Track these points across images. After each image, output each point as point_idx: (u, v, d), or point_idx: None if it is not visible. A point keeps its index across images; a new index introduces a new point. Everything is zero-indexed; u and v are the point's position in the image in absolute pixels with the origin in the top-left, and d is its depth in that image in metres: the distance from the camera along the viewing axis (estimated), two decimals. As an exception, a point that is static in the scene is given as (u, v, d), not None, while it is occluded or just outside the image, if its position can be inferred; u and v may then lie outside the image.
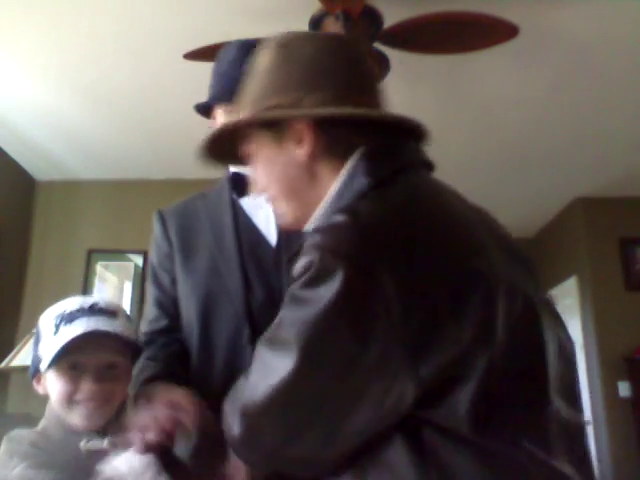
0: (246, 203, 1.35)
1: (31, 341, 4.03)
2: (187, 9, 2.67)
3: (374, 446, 0.76)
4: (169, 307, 1.32)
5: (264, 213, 1.33)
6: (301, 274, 0.77)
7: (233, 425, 0.81)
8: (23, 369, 3.84)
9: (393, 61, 2.69)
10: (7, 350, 3.82)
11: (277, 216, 1.02)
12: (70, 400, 1.09)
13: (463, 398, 0.73)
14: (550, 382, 0.79)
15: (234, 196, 1.36)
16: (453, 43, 2.62)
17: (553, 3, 2.62)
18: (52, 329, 1.10)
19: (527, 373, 0.78)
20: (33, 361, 1.14)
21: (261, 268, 1.24)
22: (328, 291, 0.73)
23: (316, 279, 0.75)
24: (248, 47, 1.31)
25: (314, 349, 0.74)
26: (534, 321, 0.80)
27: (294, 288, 0.78)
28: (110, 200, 4.45)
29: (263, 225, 1.31)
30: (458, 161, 4.23)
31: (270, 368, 0.77)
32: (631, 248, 4.77)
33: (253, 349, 1.06)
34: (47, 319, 1.13)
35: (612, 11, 2.68)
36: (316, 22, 2.59)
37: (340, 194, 0.87)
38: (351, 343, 0.73)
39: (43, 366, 1.09)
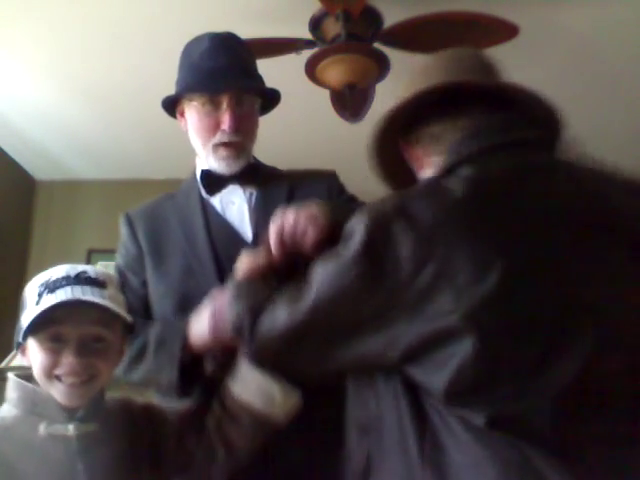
0: (217, 201, 1.33)
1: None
2: (187, 9, 2.67)
3: (379, 406, 0.85)
4: (139, 309, 1.29)
5: (237, 208, 1.32)
6: None
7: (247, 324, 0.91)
8: (23, 369, 3.83)
9: (393, 61, 2.69)
10: (7, 350, 3.82)
11: None
12: (50, 374, 1.00)
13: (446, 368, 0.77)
14: None
15: (205, 195, 1.34)
16: (453, 43, 2.61)
17: (553, 3, 2.62)
18: (35, 298, 1.03)
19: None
20: (17, 331, 1.06)
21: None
22: (352, 244, 0.83)
23: (345, 237, 0.86)
24: (221, 39, 1.30)
25: (329, 287, 0.84)
26: None
27: None
28: (110, 200, 4.44)
29: (237, 221, 1.30)
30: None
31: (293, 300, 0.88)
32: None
33: None
34: (32, 288, 1.06)
35: (612, 11, 2.68)
36: (316, 22, 2.59)
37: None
38: (361, 288, 0.81)
39: (22, 335, 1.02)
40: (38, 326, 0.99)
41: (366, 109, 3.01)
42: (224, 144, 1.28)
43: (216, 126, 1.28)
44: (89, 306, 1.01)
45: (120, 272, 1.35)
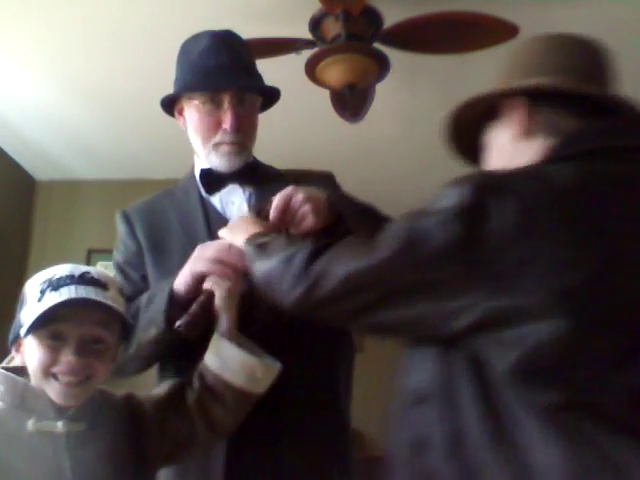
0: (217, 200, 1.33)
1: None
2: (187, 9, 2.67)
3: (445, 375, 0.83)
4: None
5: (237, 208, 1.32)
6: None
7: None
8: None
9: (393, 61, 2.69)
10: (7, 350, 3.82)
11: None
12: (47, 372, 1.00)
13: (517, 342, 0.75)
14: None
15: (204, 194, 1.34)
16: (453, 43, 2.62)
17: (553, 3, 2.62)
18: (37, 295, 1.02)
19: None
20: (14, 327, 1.06)
21: None
22: (449, 196, 0.82)
23: (437, 199, 0.84)
24: (221, 37, 1.29)
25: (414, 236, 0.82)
26: None
27: None
28: (110, 200, 4.43)
29: None
30: (458, 161, 4.22)
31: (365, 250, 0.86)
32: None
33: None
34: (33, 284, 1.06)
35: (612, 11, 2.68)
36: (316, 22, 2.59)
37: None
38: (447, 250, 0.79)
39: (23, 331, 1.01)
40: (39, 323, 0.99)
41: (366, 109, 3.01)
42: (226, 142, 1.28)
43: (217, 125, 1.28)
44: (92, 306, 1.01)
45: (120, 268, 1.35)
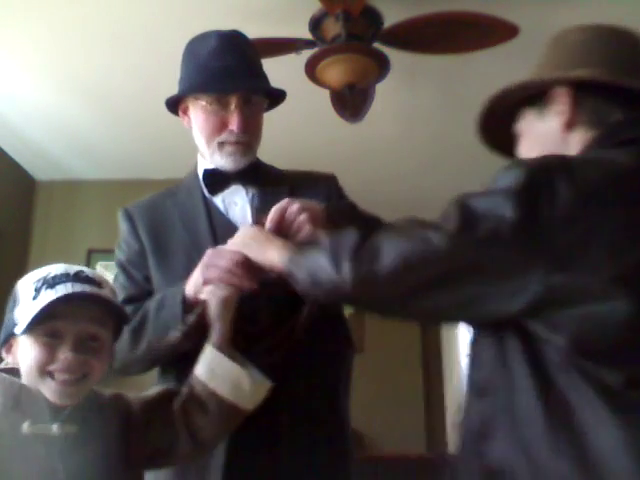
0: (220, 200, 1.33)
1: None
2: (187, 9, 2.67)
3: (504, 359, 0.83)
4: (144, 301, 1.29)
5: (239, 209, 1.32)
6: None
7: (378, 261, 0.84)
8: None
9: (393, 61, 2.69)
10: None
11: None
12: (43, 370, 0.98)
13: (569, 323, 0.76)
14: None
15: (207, 194, 1.34)
16: (453, 43, 2.62)
17: (553, 3, 2.62)
18: (32, 293, 1.01)
19: None
20: (6, 326, 1.03)
21: None
22: (508, 177, 0.82)
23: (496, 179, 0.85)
24: (228, 38, 1.29)
25: (475, 219, 0.81)
26: None
27: None
28: (110, 200, 4.43)
29: (240, 222, 1.30)
30: (458, 161, 4.23)
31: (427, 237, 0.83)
32: (631, 248, 4.77)
33: (235, 348, 1.11)
34: (26, 283, 1.04)
35: (612, 11, 2.68)
36: (316, 22, 2.59)
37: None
38: (508, 227, 0.79)
39: (18, 329, 0.99)
40: (37, 320, 0.98)
41: (366, 109, 3.01)
42: (230, 142, 1.28)
43: (223, 126, 1.28)
44: (90, 302, 1.01)
45: (122, 267, 1.35)
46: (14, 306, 1.04)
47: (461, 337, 5.80)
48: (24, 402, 0.99)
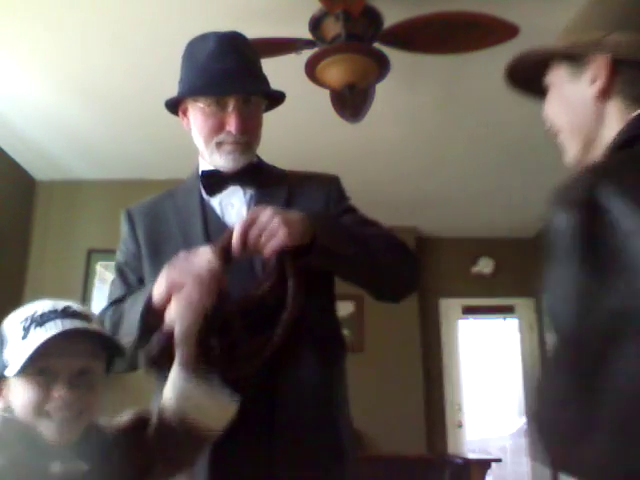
0: (217, 203, 1.33)
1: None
2: (187, 9, 2.67)
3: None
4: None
5: (236, 211, 1.31)
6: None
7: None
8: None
9: (393, 61, 2.69)
10: None
11: (564, 152, 1.02)
12: (39, 410, 0.96)
13: None
14: None
15: (204, 196, 1.34)
16: (453, 43, 2.62)
17: (553, 3, 2.62)
18: (20, 332, 0.98)
19: None
20: None
21: (235, 271, 1.21)
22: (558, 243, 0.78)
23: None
24: (227, 39, 1.28)
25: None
26: None
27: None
28: (110, 200, 4.44)
29: (235, 224, 1.30)
30: (458, 161, 4.23)
31: None
32: (631, 248, 4.77)
33: (206, 360, 1.10)
34: (12, 323, 1.02)
35: (612, 11, 2.68)
36: (316, 22, 2.59)
37: (625, 138, 0.86)
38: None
39: (10, 372, 0.96)
40: (30, 361, 0.95)
41: (366, 109, 3.02)
42: (229, 142, 1.28)
43: (221, 127, 1.27)
44: (79, 337, 0.99)
45: (119, 269, 1.36)
46: (2, 347, 1.00)
47: (461, 337, 5.81)
48: (33, 444, 0.97)
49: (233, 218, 1.30)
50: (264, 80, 1.33)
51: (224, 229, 1.27)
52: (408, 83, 3.22)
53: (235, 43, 1.29)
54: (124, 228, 1.38)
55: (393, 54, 2.66)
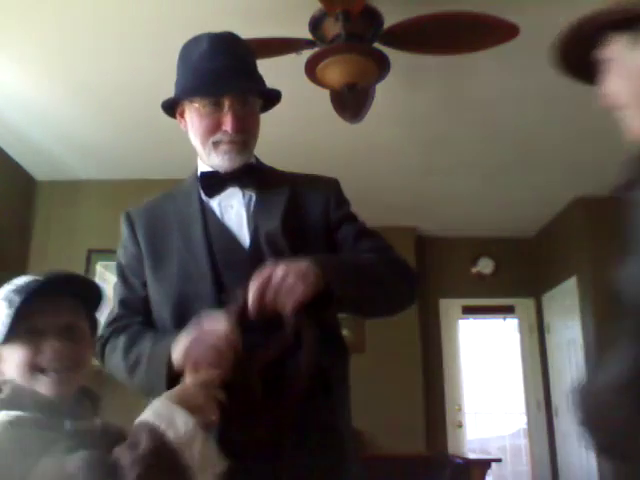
0: (216, 204, 1.33)
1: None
2: (187, 9, 2.67)
3: None
4: (137, 306, 1.30)
5: (235, 212, 1.30)
6: None
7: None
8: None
9: (393, 61, 2.69)
10: None
11: (627, 126, 0.98)
12: (34, 367, 0.97)
13: None
14: None
15: (204, 197, 1.33)
16: (453, 43, 2.62)
17: (553, 3, 2.62)
18: (3, 304, 1.00)
19: None
20: None
21: (236, 272, 1.21)
22: None
23: None
24: (220, 39, 1.29)
25: None
26: None
27: None
28: (110, 200, 4.44)
29: (235, 226, 1.29)
30: (458, 161, 4.23)
31: None
32: (631, 248, 4.77)
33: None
34: None
35: (612, 11, 2.68)
36: (316, 22, 2.59)
37: None
38: None
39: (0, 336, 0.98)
40: (15, 321, 0.97)
41: (366, 109, 3.02)
42: (225, 141, 1.28)
43: (217, 127, 1.27)
44: (61, 294, 1.01)
45: (120, 271, 1.36)
46: None
47: (461, 337, 5.81)
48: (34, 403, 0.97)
49: (233, 219, 1.30)
50: (259, 79, 1.33)
51: (223, 230, 1.27)
52: (408, 83, 3.22)
53: (228, 43, 1.29)
54: (124, 230, 1.37)
55: (393, 54, 2.66)
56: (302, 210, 1.31)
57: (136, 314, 1.29)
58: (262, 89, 1.32)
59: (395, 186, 4.69)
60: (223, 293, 1.21)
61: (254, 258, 1.21)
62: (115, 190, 4.46)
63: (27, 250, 4.32)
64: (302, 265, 1.10)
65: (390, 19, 2.55)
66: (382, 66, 2.61)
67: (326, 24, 2.57)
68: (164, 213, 1.36)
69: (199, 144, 1.31)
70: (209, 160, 1.32)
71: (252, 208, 1.30)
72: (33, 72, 3.14)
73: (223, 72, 1.25)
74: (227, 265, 1.24)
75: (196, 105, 1.28)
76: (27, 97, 3.37)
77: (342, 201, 1.39)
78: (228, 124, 1.26)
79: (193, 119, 1.30)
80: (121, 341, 1.24)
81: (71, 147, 4.02)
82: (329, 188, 1.39)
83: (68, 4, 2.62)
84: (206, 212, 1.31)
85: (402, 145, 3.98)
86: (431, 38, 2.55)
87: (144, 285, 1.31)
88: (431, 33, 2.51)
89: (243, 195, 1.32)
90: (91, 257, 4.34)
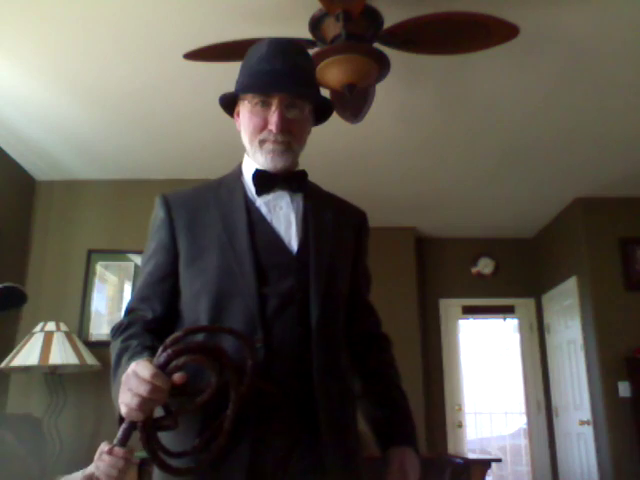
0: (264, 202, 1.33)
1: (31, 341, 3.93)
2: (187, 10, 2.67)
3: None
4: (154, 298, 1.28)
5: (283, 214, 1.32)
6: None
7: None
8: (23, 369, 3.84)
9: (393, 61, 2.69)
10: (7, 350, 3.81)
11: None
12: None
13: None
14: None
15: (250, 196, 1.34)
16: (453, 43, 2.62)
17: (553, 3, 2.62)
18: None
19: None
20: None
21: (279, 272, 1.24)
22: None
23: None
24: (279, 44, 1.35)
25: None
26: None
27: None
28: (110, 200, 4.45)
29: (282, 227, 1.30)
30: (458, 161, 4.23)
31: None
32: (631, 248, 4.77)
33: (265, 351, 1.14)
34: None
35: (612, 11, 2.68)
36: (316, 22, 2.59)
37: None
38: None
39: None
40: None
41: (366, 109, 3.01)
42: (270, 140, 1.32)
43: (264, 125, 1.31)
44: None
45: (147, 257, 1.33)
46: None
47: (461, 337, 5.81)
48: None
49: (280, 221, 1.31)
50: (312, 86, 1.37)
51: (270, 231, 1.29)
52: (408, 83, 3.22)
53: (287, 48, 1.35)
54: (159, 214, 1.33)
55: (393, 54, 2.66)
56: (342, 232, 1.37)
57: (150, 309, 1.28)
58: (311, 94, 1.36)
59: (395, 186, 4.69)
60: (264, 289, 1.22)
61: (300, 261, 1.25)
62: (115, 190, 4.47)
63: (27, 250, 4.33)
64: (417, 465, 1.34)
65: (390, 19, 2.55)
66: (382, 66, 2.61)
67: (326, 24, 2.57)
68: (206, 204, 1.34)
69: (247, 142, 1.35)
70: (255, 158, 1.35)
71: (302, 214, 1.33)
72: (33, 72, 3.14)
73: (276, 73, 1.31)
74: (271, 264, 1.25)
75: (247, 103, 1.32)
76: (27, 97, 3.37)
77: (367, 239, 1.47)
78: (273, 123, 1.29)
79: (244, 117, 1.34)
80: (116, 347, 1.22)
81: (71, 147, 4.02)
82: (361, 219, 1.46)
83: (68, 4, 2.62)
84: (251, 210, 1.32)
85: (402, 145, 3.98)
86: (431, 38, 2.55)
87: (168, 276, 1.29)
88: (431, 33, 2.51)
89: (291, 200, 1.34)
90: (91, 257, 4.34)
